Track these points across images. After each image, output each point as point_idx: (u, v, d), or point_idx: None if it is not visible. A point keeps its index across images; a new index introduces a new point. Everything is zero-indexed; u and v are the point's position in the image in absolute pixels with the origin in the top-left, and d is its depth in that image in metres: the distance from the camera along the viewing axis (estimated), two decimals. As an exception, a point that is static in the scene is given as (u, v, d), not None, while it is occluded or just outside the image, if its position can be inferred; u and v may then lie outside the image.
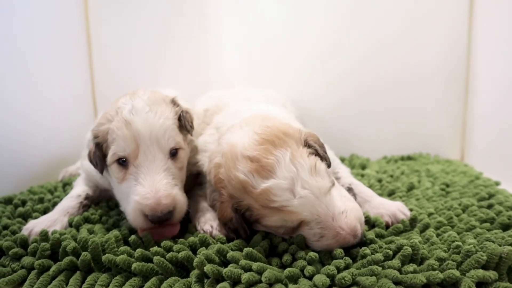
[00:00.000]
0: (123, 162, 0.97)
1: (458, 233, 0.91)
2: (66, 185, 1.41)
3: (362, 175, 1.41)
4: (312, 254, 0.84)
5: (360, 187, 1.13)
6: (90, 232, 1.01)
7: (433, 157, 1.65)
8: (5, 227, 1.05)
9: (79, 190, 1.18)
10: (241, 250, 0.86)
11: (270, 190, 0.83)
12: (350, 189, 1.13)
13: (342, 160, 1.66)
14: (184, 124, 1.06)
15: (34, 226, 1.02)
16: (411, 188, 1.27)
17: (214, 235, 0.97)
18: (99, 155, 0.99)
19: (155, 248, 0.87)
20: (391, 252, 0.84)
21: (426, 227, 0.96)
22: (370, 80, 1.71)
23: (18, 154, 1.47)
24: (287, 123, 0.98)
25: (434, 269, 0.77)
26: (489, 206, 1.04)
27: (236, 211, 0.92)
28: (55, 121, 1.68)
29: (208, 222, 1.01)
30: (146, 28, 1.86)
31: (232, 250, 0.86)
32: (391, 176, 1.39)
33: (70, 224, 1.06)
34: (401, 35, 1.66)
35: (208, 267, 0.79)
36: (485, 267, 0.77)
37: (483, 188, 1.19)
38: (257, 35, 1.78)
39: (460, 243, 0.82)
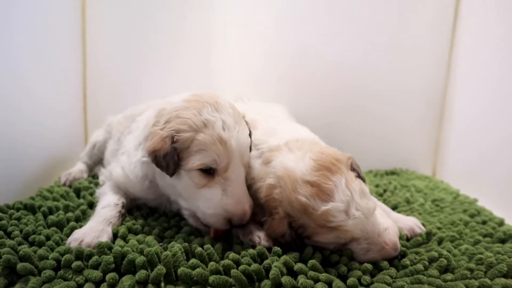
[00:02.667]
0: (208, 171, 1.03)
1: (472, 245, 1.10)
2: (79, 191, 1.39)
3: (362, 189, 1.57)
4: (367, 265, 0.96)
5: (377, 202, 1.27)
6: (140, 242, 1.03)
7: (411, 172, 1.87)
8: (48, 238, 1.02)
9: (114, 198, 1.18)
10: (303, 262, 0.96)
11: (329, 212, 0.95)
12: (368, 204, 1.28)
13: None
14: (250, 141, 1.13)
15: (83, 237, 1.01)
16: (407, 202, 1.46)
17: (262, 245, 1.05)
18: (174, 159, 1.02)
19: (226, 261, 0.93)
20: (427, 263, 1.00)
21: (441, 240, 1.14)
22: (357, 100, 1.89)
23: (11, 153, 1.40)
24: (331, 148, 1.10)
25: (468, 278, 0.94)
26: (484, 222, 1.25)
27: (291, 227, 1.02)
28: (47, 119, 1.62)
29: (254, 233, 1.09)
30: (145, 31, 1.85)
31: (295, 262, 0.96)
32: (385, 190, 1.58)
33: (114, 235, 1.07)
34: (387, 62, 1.86)
35: (285, 279, 0.88)
36: (505, 275, 0.95)
37: (468, 205, 1.41)
38: (260, 43, 1.88)
39: (482, 256, 1.00)
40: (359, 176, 1.06)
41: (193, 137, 1.02)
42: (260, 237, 1.08)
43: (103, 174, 1.32)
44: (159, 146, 1.03)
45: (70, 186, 1.47)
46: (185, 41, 1.87)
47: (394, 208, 1.41)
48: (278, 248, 1.01)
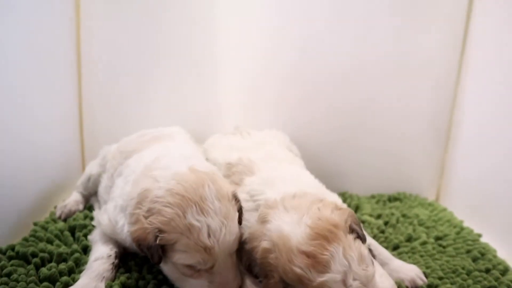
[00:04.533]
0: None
1: (472, 304, 1.08)
2: (74, 229, 1.36)
3: (363, 222, 1.54)
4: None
5: (379, 249, 1.25)
6: (134, 303, 1.02)
7: (415, 197, 1.83)
8: (39, 299, 1.01)
9: (107, 249, 1.15)
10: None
11: (325, 283, 0.91)
12: (369, 250, 1.25)
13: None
14: (239, 218, 1.09)
15: (75, 299, 0.99)
16: (409, 238, 1.43)
17: (259, 302, 1.04)
18: (158, 252, 0.98)
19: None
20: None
21: (442, 294, 1.12)
22: (361, 118, 1.82)
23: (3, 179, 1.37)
24: (332, 204, 1.05)
25: None
26: (487, 271, 1.22)
27: None
28: (41, 140, 1.58)
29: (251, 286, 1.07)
30: (141, 48, 1.79)
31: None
32: (387, 223, 1.55)
33: (108, 292, 1.05)
34: (393, 79, 1.79)
35: None
36: None
37: (471, 243, 1.38)
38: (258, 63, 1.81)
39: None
40: (358, 236, 1.02)
41: (177, 239, 0.97)
42: (256, 292, 1.06)
43: (95, 217, 1.28)
44: (143, 237, 0.98)
45: (65, 220, 1.45)
46: (185, 59, 1.80)
47: (396, 248, 1.38)
48: (274, 311, 0.99)
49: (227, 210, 1.02)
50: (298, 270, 0.92)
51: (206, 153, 1.49)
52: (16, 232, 1.38)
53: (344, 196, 1.81)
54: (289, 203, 1.05)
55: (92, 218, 1.44)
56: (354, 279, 0.92)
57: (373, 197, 1.84)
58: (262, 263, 1.02)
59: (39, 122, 1.56)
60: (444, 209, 1.70)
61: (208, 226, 0.97)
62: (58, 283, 1.08)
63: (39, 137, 1.57)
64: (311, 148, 1.84)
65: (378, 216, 1.61)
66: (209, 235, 0.97)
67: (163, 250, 1.00)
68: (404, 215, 1.62)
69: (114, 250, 1.16)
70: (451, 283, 1.16)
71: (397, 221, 1.56)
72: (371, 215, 1.61)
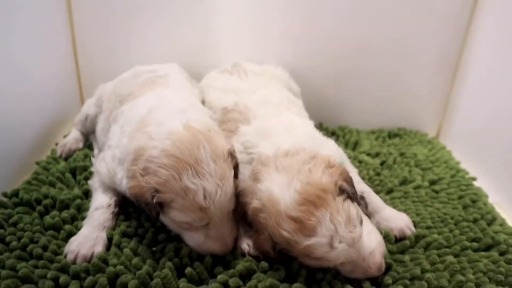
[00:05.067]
0: None
1: (455, 256, 1.12)
2: (75, 171, 1.40)
3: (360, 162, 1.55)
4: (348, 286, 1.01)
5: (372, 197, 1.27)
6: (133, 252, 1.08)
7: (415, 134, 1.82)
8: (45, 248, 1.07)
9: (106, 198, 1.19)
10: (289, 279, 1.02)
11: (311, 246, 0.95)
12: (362, 198, 1.28)
13: (336, 134, 1.78)
14: (235, 173, 1.08)
15: (79, 249, 1.05)
16: (404, 181, 1.45)
17: (251, 253, 1.10)
18: (156, 208, 1.00)
19: (215, 285, 0.98)
20: (408, 282, 1.04)
21: (428, 245, 1.16)
22: (363, 51, 1.73)
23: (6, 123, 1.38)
24: (324, 161, 1.05)
25: (444, 305, 0.98)
26: (475, 221, 1.25)
27: (274, 249, 1.03)
28: (38, 83, 1.56)
29: (244, 241, 1.12)
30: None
31: (280, 282, 1.00)
32: (384, 162, 1.56)
33: (109, 239, 1.12)
34: (401, 13, 1.66)
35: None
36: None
37: (464, 188, 1.41)
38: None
39: (463, 278, 1.03)
40: (349, 196, 1.03)
41: (173, 198, 0.99)
42: (249, 245, 1.11)
43: (94, 164, 1.30)
44: (140, 194, 1.00)
45: (66, 159, 1.49)
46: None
47: (389, 191, 1.41)
48: (265, 265, 1.05)
49: (222, 171, 1.03)
50: (285, 234, 0.96)
51: (203, 93, 1.46)
52: (20, 170, 1.43)
53: (344, 131, 1.80)
54: (281, 162, 1.04)
55: (91, 158, 1.48)
56: (340, 242, 0.95)
57: (373, 132, 1.83)
58: (253, 220, 1.06)
59: (34, 59, 1.52)
60: (443, 148, 1.70)
61: (204, 189, 0.98)
62: (62, 231, 1.14)
63: (35, 74, 1.54)
64: (312, 81, 1.79)
65: (376, 155, 1.62)
66: (204, 197, 0.98)
67: (161, 206, 1.03)
68: (402, 154, 1.63)
69: (114, 199, 1.20)
70: (438, 233, 1.21)
71: (394, 161, 1.57)
72: (368, 154, 1.62)
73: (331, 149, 1.22)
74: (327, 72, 1.77)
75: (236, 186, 1.11)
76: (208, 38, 1.72)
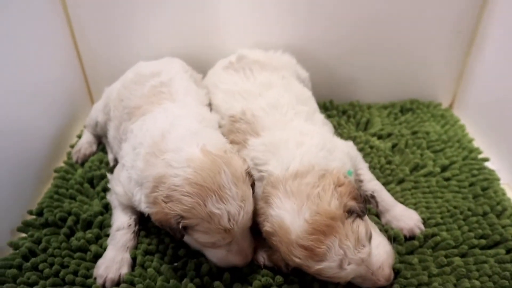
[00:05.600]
0: None
1: (462, 255, 1.17)
2: (93, 180, 1.45)
3: (371, 147, 1.55)
4: (359, 300, 1.08)
5: (383, 195, 1.30)
6: (157, 270, 1.16)
7: (427, 105, 1.77)
8: (75, 273, 1.16)
9: (126, 218, 1.24)
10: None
11: (322, 269, 1.01)
12: (372, 197, 1.30)
13: (347, 114, 1.75)
14: (253, 190, 1.12)
15: (107, 273, 1.13)
16: (415, 167, 1.46)
17: (267, 264, 1.17)
18: (180, 232, 1.04)
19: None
20: (415, 289, 1.10)
21: (436, 244, 1.21)
22: (372, 20, 1.63)
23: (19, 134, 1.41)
24: (334, 180, 1.06)
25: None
26: (484, 214, 1.27)
27: (287, 265, 1.10)
28: (45, 92, 1.56)
29: (259, 253, 1.18)
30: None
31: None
32: (395, 145, 1.56)
33: (133, 259, 1.19)
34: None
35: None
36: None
37: (476, 173, 1.42)
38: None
39: (468, 285, 1.08)
40: (358, 214, 1.06)
41: (199, 223, 1.02)
42: (264, 257, 1.18)
43: (110, 182, 1.33)
44: (165, 219, 1.03)
45: (82, 164, 1.54)
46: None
47: (400, 181, 1.42)
48: (281, 279, 1.13)
49: (243, 193, 1.06)
50: (297, 260, 1.02)
51: (210, 94, 1.44)
52: (40, 177, 1.49)
53: (354, 109, 1.77)
54: (290, 186, 1.06)
55: (107, 163, 1.52)
56: (350, 263, 1.01)
57: (384, 107, 1.79)
58: (266, 239, 1.11)
59: (35, 62, 1.51)
60: (456, 121, 1.67)
61: (228, 212, 1.03)
62: (88, 253, 1.22)
63: (39, 77, 1.52)
64: (322, 60, 1.72)
65: (388, 136, 1.61)
66: (229, 219, 1.03)
67: (185, 229, 1.07)
68: (414, 133, 1.61)
69: (133, 217, 1.25)
70: (447, 230, 1.25)
71: (406, 144, 1.56)
72: (380, 137, 1.61)
73: (341, 158, 1.21)
74: (338, 50, 1.70)
75: (255, 203, 1.15)
76: (213, 20, 1.63)
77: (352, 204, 1.06)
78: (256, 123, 1.25)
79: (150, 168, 1.10)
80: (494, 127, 1.56)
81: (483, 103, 1.64)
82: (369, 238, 1.07)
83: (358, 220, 1.05)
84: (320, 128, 1.31)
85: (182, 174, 1.03)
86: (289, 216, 1.03)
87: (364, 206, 1.10)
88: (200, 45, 1.67)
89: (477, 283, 1.09)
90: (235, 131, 1.28)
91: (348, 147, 1.33)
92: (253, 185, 1.14)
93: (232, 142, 1.27)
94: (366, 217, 1.10)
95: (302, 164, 1.12)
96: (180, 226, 1.03)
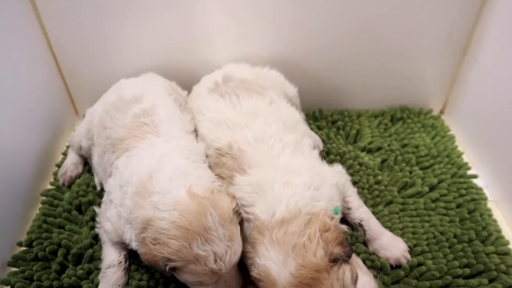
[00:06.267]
0: None
1: (446, 287, 1.20)
2: (81, 207, 1.44)
3: (360, 165, 1.54)
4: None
5: (370, 224, 1.31)
6: (149, 307, 1.19)
7: (418, 113, 1.75)
8: (68, 312, 1.18)
9: (116, 254, 1.24)
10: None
11: None
12: (360, 225, 1.32)
13: (336, 125, 1.72)
14: (241, 228, 1.13)
15: (99, 314, 1.17)
16: (404, 186, 1.46)
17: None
18: (169, 272, 1.06)
19: None
20: (400, 324, 1.14)
21: (421, 274, 1.24)
22: (361, 27, 1.56)
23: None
24: (319, 226, 1.07)
25: None
26: (469, 241, 1.30)
27: None
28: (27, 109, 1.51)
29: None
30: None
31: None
32: (384, 161, 1.55)
33: (125, 298, 1.22)
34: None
35: None
36: None
37: (464, 193, 1.43)
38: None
39: (450, 320, 1.12)
40: (344, 259, 1.07)
41: (185, 265, 1.02)
42: (252, 292, 1.21)
43: (98, 217, 1.32)
44: (153, 261, 1.04)
45: (69, 187, 1.52)
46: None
47: (389, 203, 1.43)
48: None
49: (230, 233, 1.07)
50: None
51: (195, 121, 1.40)
52: (27, 201, 1.47)
53: (344, 120, 1.74)
54: (276, 235, 1.07)
55: (94, 187, 1.50)
56: None
57: (374, 116, 1.76)
58: (255, 281, 1.13)
59: (15, 78, 1.45)
60: (446, 132, 1.65)
61: (215, 253, 1.03)
62: (81, 290, 1.24)
63: (20, 93, 1.48)
64: (310, 69, 1.67)
65: (377, 149, 1.60)
66: (215, 260, 1.04)
67: (173, 269, 1.08)
68: (404, 146, 1.60)
69: (123, 253, 1.25)
70: (433, 258, 1.27)
71: (395, 160, 1.55)
72: (369, 151, 1.60)
73: (328, 193, 1.20)
74: (326, 57, 1.64)
75: (242, 240, 1.15)
76: (198, 33, 1.56)
77: (337, 251, 1.06)
78: (242, 158, 1.23)
79: (138, 209, 1.09)
80: (484, 135, 1.55)
81: (474, 110, 1.61)
82: (355, 281, 1.09)
83: (343, 266, 1.06)
84: (307, 158, 1.29)
85: (169, 217, 1.03)
86: (275, 267, 1.04)
87: (350, 249, 1.11)
88: (184, 58, 1.61)
89: (458, 319, 1.13)
90: (222, 165, 1.26)
91: (336, 175, 1.32)
92: (241, 223, 1.14)
93: (218, 175, 1.25)
94: (353, 256, 1.12)
95: (288, 209, 1.11)
96: (167, 269, 1.05)
